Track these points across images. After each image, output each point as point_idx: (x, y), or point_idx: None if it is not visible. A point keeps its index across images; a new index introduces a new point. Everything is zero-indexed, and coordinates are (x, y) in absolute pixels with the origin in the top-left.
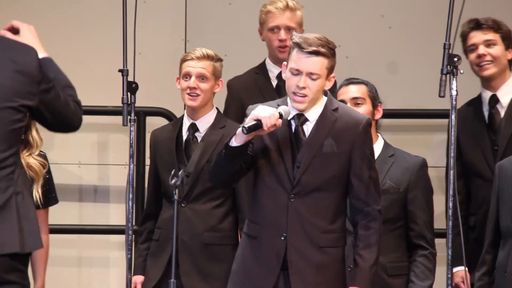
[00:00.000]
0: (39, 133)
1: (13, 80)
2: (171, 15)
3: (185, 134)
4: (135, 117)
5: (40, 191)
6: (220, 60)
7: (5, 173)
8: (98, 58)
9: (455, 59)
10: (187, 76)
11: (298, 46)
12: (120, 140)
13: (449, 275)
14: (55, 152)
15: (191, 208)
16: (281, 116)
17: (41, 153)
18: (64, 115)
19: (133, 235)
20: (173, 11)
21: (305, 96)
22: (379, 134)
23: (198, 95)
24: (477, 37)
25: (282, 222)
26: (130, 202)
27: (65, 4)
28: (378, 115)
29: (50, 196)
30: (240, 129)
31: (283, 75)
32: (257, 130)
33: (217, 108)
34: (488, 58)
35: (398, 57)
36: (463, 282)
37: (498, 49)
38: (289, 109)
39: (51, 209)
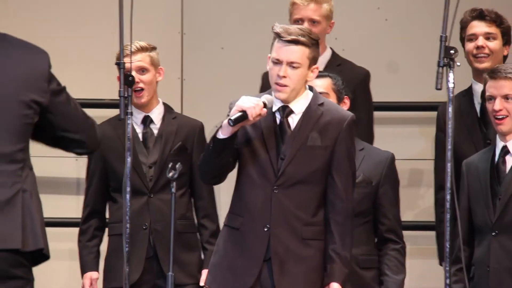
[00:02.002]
0: None
1: (25, 75)
2: (168, 8)
3: (138, 127)
4: (132, 110)
5: None
6: (154, 48)
7: (12, 168)
8: (94, 51)
9: (452, 51)
10: None
11: (278, 35)
12: None
13: (447, 268)
14: None
15: (159, 198)
16: (265, 105)
17: None
18: (75, 124)
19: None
20: (170, 3)
21: (285, 85)
22: None
23: (143, 89)
24: (479, 27)
25: (265, 213)
26: (128, 195)
27: None
28: (345, 108)
29: None
30: (226, 121)
31: (267, 67)
32: (243, 121)
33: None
34: (486, 51)
35: (394, 50)
36: None
37: (496, 44)
38: (273, 99)
39: (49, 202)
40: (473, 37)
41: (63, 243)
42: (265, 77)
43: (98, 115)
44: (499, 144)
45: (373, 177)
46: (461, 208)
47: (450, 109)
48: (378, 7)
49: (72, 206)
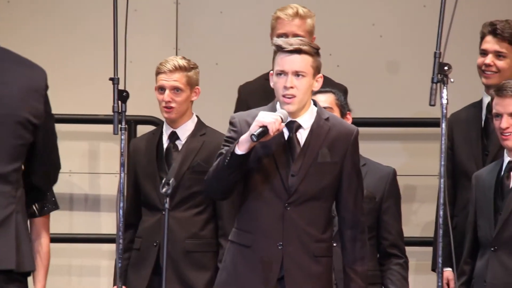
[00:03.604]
0: None
1: (23, 94)
2: (162, 24)
3: (165, 143)
4: (126, 126)
5: None
6: (194, 68)
7: (7, 189)
8: (89, 67)
9: (446, 67)
10: (162, 89)
11: (280, 47)
12: (111, 149)
13: (440, 283)
14: None
15: (172, 215)
16: (282, 120)
17: None
18: (49, 156)
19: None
20: (164, 19)
21: (293, 96)
22: None
23: (173, 107)
24: (490, 44)
25: (277, 231)
26: (120, 210)
27: (56, 13)
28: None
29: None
30: (244, 137)
31: (271, 84)
32: (264, 136)
33: (197, 116)
34: (493, 69)
35: (389, 66)
36: (447, 283)
37: (506, 63)
38: (287, 114)
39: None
40: (484, 53)
41: (55, 259)
42: (242, 89)
43: (93, 131)
44: (506, 159)
45: (376, 193)
46: (468, 220)
47: (443, 125)
48: (372, 23)
49: (65, 222)
